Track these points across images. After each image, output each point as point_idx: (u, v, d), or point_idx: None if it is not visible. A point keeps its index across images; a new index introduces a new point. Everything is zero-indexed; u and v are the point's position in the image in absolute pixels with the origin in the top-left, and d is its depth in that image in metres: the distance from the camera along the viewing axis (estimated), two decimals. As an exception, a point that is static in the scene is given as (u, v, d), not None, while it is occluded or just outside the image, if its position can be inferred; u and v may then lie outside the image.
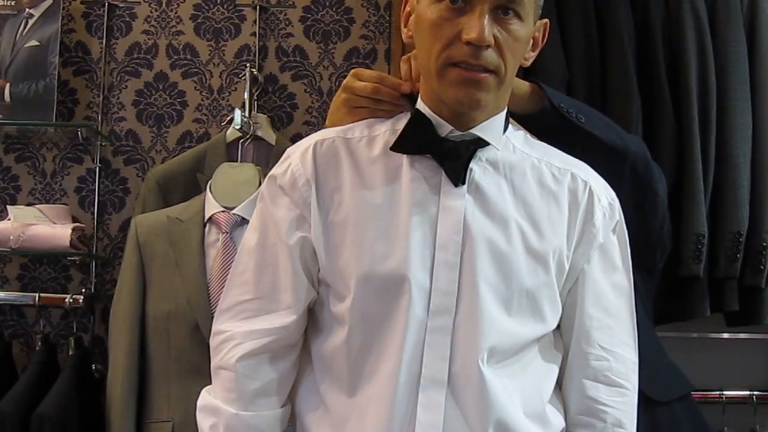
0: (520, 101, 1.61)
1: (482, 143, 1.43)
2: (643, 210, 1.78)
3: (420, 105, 1.47)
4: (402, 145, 1.45)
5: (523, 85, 1.62)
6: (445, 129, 1.43)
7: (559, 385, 1.49)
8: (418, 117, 1.46)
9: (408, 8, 1.46)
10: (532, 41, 1.45)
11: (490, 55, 1.36)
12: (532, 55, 1.48)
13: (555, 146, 1.65)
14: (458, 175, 1.42)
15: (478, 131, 1.43)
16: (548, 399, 1.45)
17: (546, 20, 1.48)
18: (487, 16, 1.34)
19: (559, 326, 1.49)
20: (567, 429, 1.47)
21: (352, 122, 1.53)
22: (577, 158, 1.61)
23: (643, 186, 1.76)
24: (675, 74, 2.43)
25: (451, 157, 1.42)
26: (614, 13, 2.46)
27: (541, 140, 1.63)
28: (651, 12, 2.46)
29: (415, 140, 1.44)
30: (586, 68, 2.44)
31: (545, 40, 1.49)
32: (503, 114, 1.47)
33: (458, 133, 1.43)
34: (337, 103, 1.58)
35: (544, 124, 1.62)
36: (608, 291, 1.49)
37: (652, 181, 1.77)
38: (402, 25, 1.48)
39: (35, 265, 2.81)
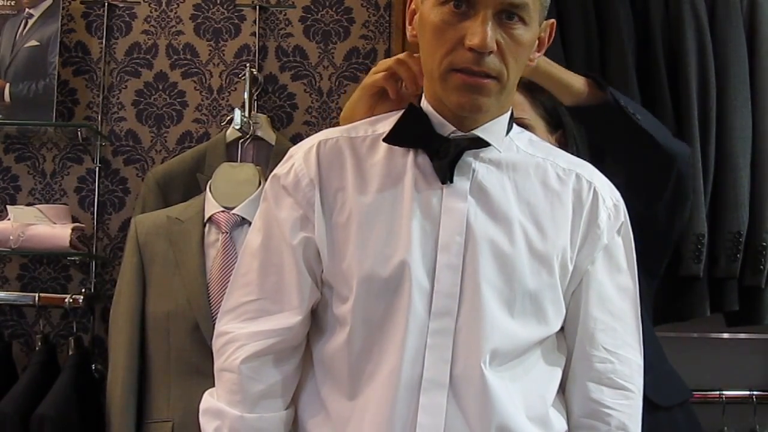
0: (577, 97, 1.72)
1: (479, 143, 1.43)
2: (674, 213, 1.84)
3: (423, 104, 1.46)
4: (394, 136, 1.44)
5: (578, 81, 1.71)
6: (447, 129, 1.43)
7: (562, 387, 1.48)
8: (412, 110, 1.45)
9: (413, 6, 1.45)
10: (537, 42, 1.45)
11: (492, 61, 1.35)
12: (537, 56, 1.48)
13: (609, 141, 1.76)
14: (444, 173, 1.41)
15: (480, 132, 1.43)
16: (551, 402, 1.44)
17: (552, 20, 1.47)
18: (490, 22, 1.33)
19: (562, 328, 1.48)
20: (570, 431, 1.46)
21: (373, 111, 1.53)
22: (629, 157, 1.73)
23: (682, 189, 1.82)
24: (675, 74, 2.43)
25: (441, 153, 1.41)
26: (614, 13, 2.46)
27: (596, 135, 1.75)
28: (651, 12, 2.46)
29: (408, 133, 1.44)
30: (586, 68, 2.44)
31: (551, 41, 1.49)
32: (507, 115, 1.47)
33: (460, 133, 1.43)
34: (355, 98, 1.58)
35: (601, 118, 1.72)
36: (613, 293, 1.48)
37: (688, 185, 1.84)
38: (407, 23, 1.47)
39: (35, 265, 2.81)
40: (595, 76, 1.69)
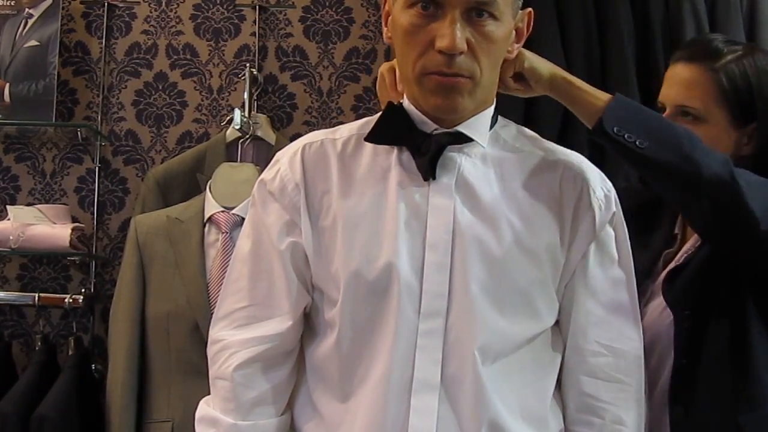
0: (594, 119, 1.49)
1: (462, 139, 1.42)
2: (731, 240, 1.54)
3: (405, 102, 1.46)
4: (375, 135, 1.44)
5: (598, 101, 1.50)
6: (430, 126, 1.42)
7: (559, 383, 1.47)
8: (392, 108, 1.45)
9: (386, 8, 1.44)
10: (515, 33, 1.43)
11: (464, 62, 1.34)
12: (516, 47, 1.46)
13: (630, 167, 1.56)
14: (426, 169, 1.40)
15: (462, 128, 1.42)
16: (549, 399, 1.43)
17: (529, 9, 1.45)
18: (458, 23, 1.32)
19: (558, 323, 1.47)
20: (566, 427, 1.45)
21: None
22: (659, 189, 1.56)
23: (728, 215, 1.50)
24: (675, 74, 2.43)
25: (423, 150, 1.41)
26: (614, 12, 2.45)
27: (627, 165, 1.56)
28: (651, 12, 2.46)
29: (389, 131, 1.43)
30: (586, 68, 2.44)
31: (529, 30, 1.46)
32: (490, 110, 1.46)
33: (442, 130, 1.42)
34: (377, 85, 1.60)
35: (611, 147, 1.49)
36: (606, 285, 1.46)
37: (740, 207, 1.48)
38: (383, 25, 1.46)
39: (35, 265, 2.81)
40: (617, 94, 1.50)
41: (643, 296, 1.62)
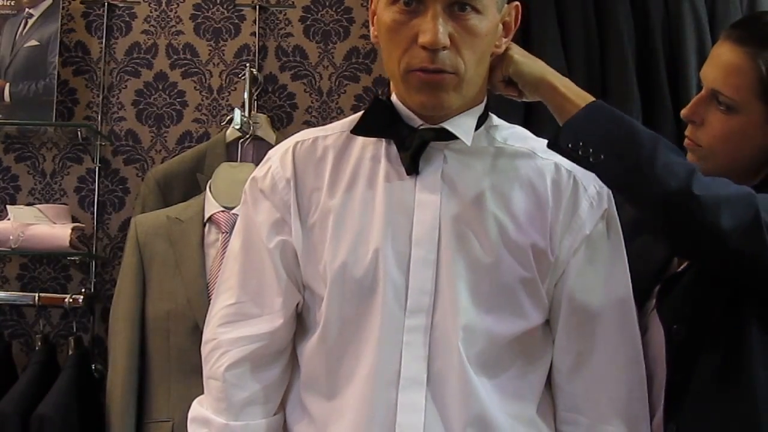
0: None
1: (447, 135, 1.41)
2: (701, 259, 1.44)
3: (393, 98, 1.45)
4: (361, 127, 1.44)
5: (574, 108, 1.39)
6: (416, 122, 1.42)
7: (550, 381, 1.46)
8: (378, 102, 1.45)
9: (373, 7, 1.44)
10: (502, 27, 1.42)
11: (447, 57, 1.33)
12: (504, 41, 1.44)
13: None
14: (408, 163, 1.40)
15: (448, 125, 1.41)
16: (537, 397, 1.42)
17: (516, 3, 1.44)
18: (440, 17, 1.32)
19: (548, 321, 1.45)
20: (556, 426, 1.44)
21: None
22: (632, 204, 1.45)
23: (689, 233, 1.36)
24: (675, 74, 2.43)
25: (407, 144, 1.41)
26: (614, 12, 2.46)
27: None
28: (651, 12, 2.46)
29: (375, 124, 1.43)
30: (586, 68, 2.44)
31: (518, 24, 1.45)
32: (478, 108, 1.45)
33: (428, 126, 1.42)
34: None
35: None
36: (597, 284, 1.44)
37: (697, 223, 1.34)
38: (370, 24, 1.46)
39: (35, 265, 2.81)
40: (597, 102, 1.40)
41: (652, 299, 1.58)
